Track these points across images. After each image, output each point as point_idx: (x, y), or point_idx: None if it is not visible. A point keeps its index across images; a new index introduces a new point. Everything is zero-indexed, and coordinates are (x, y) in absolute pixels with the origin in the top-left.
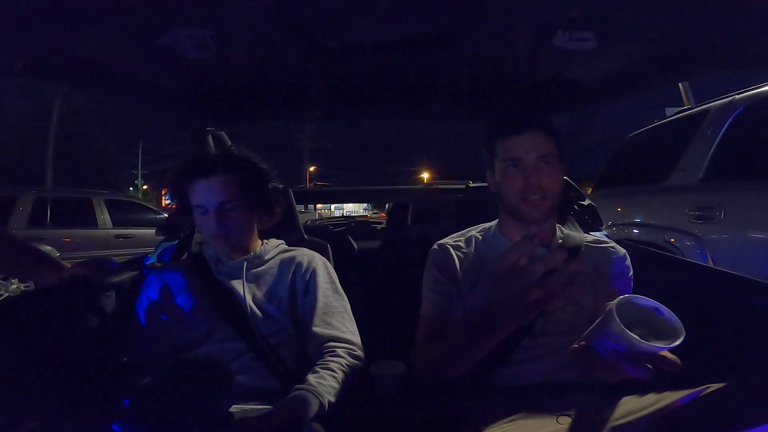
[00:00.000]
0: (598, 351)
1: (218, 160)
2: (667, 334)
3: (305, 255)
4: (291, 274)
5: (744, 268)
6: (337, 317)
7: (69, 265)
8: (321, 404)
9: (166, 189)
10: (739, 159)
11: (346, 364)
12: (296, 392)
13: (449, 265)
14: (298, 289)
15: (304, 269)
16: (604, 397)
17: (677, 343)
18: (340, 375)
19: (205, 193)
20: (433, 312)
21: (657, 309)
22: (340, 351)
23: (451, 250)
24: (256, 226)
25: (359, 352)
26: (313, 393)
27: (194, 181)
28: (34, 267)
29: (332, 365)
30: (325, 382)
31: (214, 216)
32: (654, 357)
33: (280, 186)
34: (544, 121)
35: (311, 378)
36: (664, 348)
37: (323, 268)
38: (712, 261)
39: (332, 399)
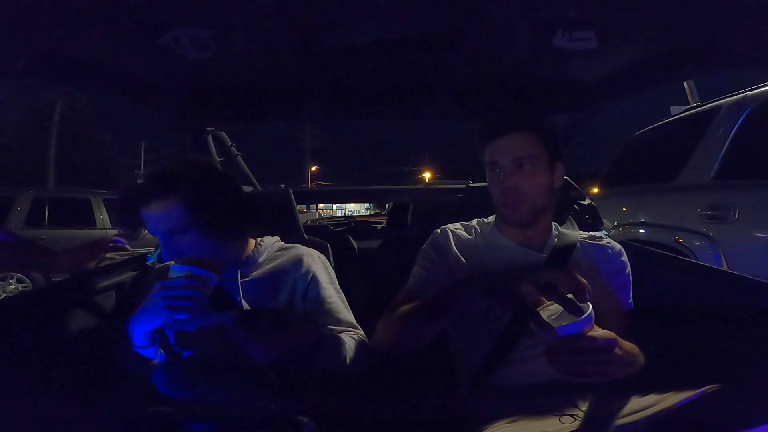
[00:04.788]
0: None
1: (153, 183)
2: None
3: (303, 254)
4: (289, 276)
5: (760, 269)
6: (341, 315)
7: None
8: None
9: (120, 225)
10: (754, 156)
11: (352, 338)
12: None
13: (446, 247)
14: (297, 291)
15: (303, 270)
16: (605, 397)
17: (584, 316)
18: (350, 341)
19: (150, 222)
20: (415, 286)
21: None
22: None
23: (452, 236)
24: (232, 240)
25: (364, 339)
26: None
27: (139, 210)
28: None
29: (343, 335)
30: (343, 337)
31: (164, 246)
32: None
33: (282, 186)
34: (525, 121)
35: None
36: (574, 325)
37: (323, 268)
38: (726, 262)
39: (348, 353)
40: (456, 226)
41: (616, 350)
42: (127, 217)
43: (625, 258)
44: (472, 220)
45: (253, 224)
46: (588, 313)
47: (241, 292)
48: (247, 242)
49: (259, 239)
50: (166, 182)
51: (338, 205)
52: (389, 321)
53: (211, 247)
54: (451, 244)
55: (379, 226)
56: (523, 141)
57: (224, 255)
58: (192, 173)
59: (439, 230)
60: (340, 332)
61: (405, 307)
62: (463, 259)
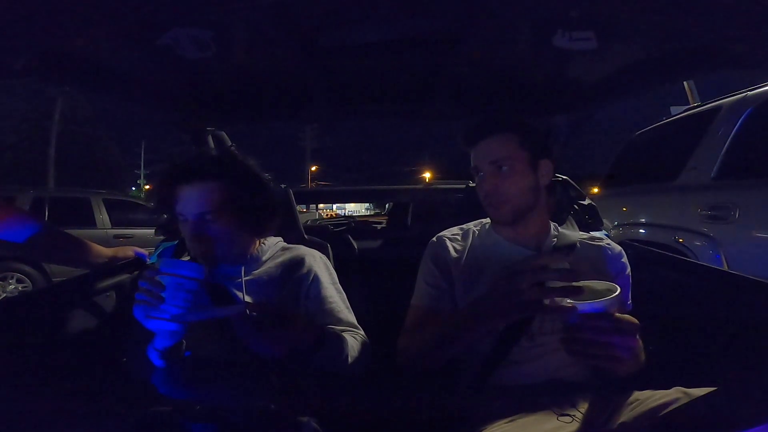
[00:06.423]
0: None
1: (201, 164)
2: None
3: (305, 254)
4: (291, 276)
5: (760, 269)
6: (342, 315)
7: (111, 252)
8: (343, 341)
9: (153, 198)
10: (754, 156)
11: (354, 337)
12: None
13: (444, 257)
14: (300, 291)
15: (305, 270)
16: (604, 397)
17: (614, 295)
18: (352, 340)
19: (185, 200)
20: (423, 302)
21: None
22: (346, 333)
23: (448, 242)
24: (249, 235)
25: (366, 339)
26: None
27: (176, 186)
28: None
29: (345, 334)
30: (346, 336)
31: (191, 227)
32: (612, 320)
33: (282, 186)
34: (501, 124)
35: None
36: (601, 302)
37: (324, 268)
38: (726, 262)
39: (350, 351)
40: (452, 231)
41: (637, 337)
42: (164, 190)
43: (625, 260)
44: (471, 221)
45: (273, 223)
46: (616, 293)
47: (244, 290)
48: (253, 241)
49: (262, 240)
50: (215, 164)
51: (338, 205)
52: (412, 344)
53: (233, 237)
54: (448, 251)
55: (379, 226)
56: (500, 144)
57: (237, 249)
58: (237, 163)
59: (435, 239)
60: (341, 332)
61: (428, 336)
62: (462, 263)
